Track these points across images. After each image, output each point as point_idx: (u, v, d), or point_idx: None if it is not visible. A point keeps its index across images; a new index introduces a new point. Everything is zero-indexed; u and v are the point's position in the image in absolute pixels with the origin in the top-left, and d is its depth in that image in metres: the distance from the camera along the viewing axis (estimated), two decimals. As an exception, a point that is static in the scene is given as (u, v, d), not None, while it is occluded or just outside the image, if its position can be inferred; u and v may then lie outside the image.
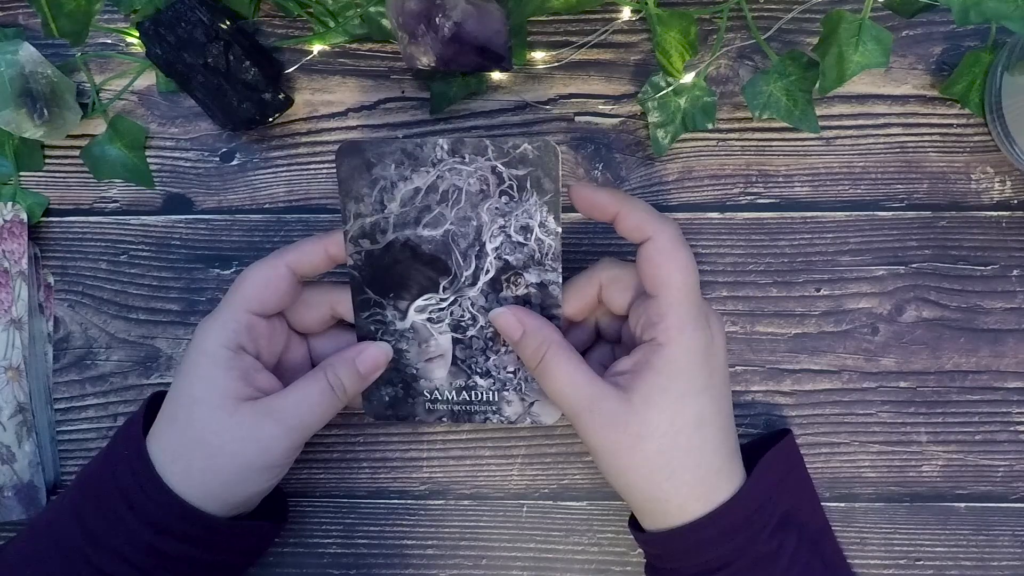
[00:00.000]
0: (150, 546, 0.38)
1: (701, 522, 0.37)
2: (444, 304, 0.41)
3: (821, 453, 0.45)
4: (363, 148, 0.40)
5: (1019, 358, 0.45)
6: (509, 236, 0.40)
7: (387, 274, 0.41)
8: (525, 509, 0.46)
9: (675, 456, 0.37)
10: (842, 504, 0.45)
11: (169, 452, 0.39)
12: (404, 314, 0.42)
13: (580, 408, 0.38)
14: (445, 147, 0.39)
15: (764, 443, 0.43)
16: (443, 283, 0.41)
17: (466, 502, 0.46)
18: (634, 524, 0.41)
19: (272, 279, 0.40)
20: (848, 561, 0.45)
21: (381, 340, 0.42)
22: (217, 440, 0.38)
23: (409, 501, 0.46)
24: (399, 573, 0.46)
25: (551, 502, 0.46)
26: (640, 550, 0.45)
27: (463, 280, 0.41)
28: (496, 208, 0.40)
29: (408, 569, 0.46)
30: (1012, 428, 0.45)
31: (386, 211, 0.40)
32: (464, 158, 0.39)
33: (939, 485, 0.45)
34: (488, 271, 0.41)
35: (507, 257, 0.40)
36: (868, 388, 0.45)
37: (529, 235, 0.40)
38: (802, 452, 0.45)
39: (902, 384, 0.45)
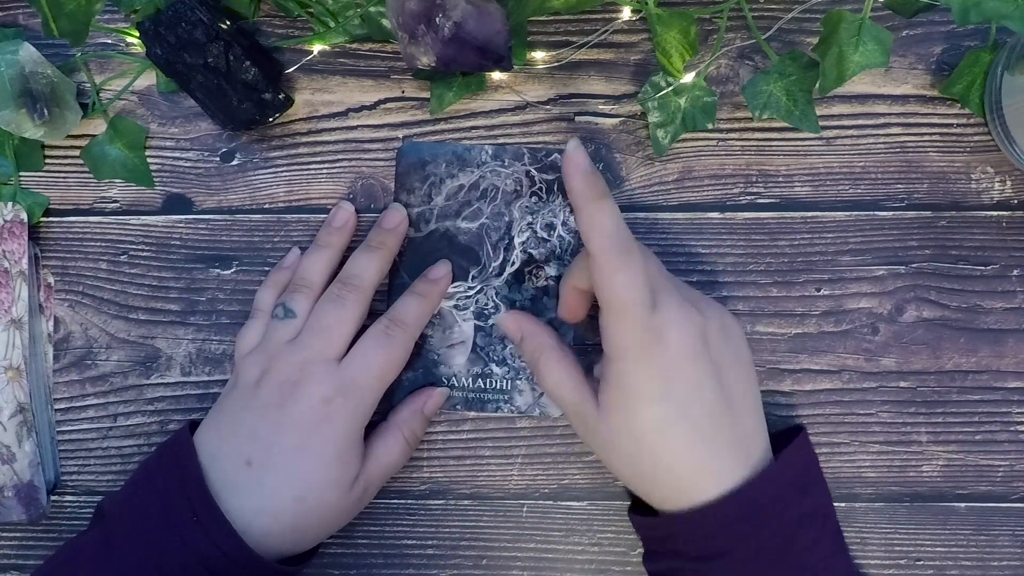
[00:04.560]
0: None
1: (684, 515, 0.38)
2: (471, 292, 0.45)
3: (821, 453, 0.45)
4: (421, 147, 0.45)
5: (1019, 358, 0.45)
6: (535, 232, 0.45)
7: (424, 260, 0.45)
8: (525, 509, 0.46)
9: (643, 461, 0.38)
10: (842, 504, 0.45)
11: (267, 516, 0.39)
12: None
13: (567, 410, 0.40)
14: (489, 152, 0.45)
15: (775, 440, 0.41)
16: (472, 272, 0.45)
17: (466, 502, 0.46)
18: (632, 510, 0.42)
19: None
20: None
21: None
22: (335, 519, 0.41)
23: (409, 501, 0.46)
24: (399, 573, 0.46)
25: (551, 502, 0.46)
26: (640, 550, 0.45)
27: (491, 270, 0.45)
28: (526, 207, 0.45)
29: (408, 569, 0.46)
30: (1012, 428, 0.45)
31: (432, 203, 0.45)
32: (504, 162, 0.45)
33: (939, 485, 0.45)
34: (514, 263, 0.45)
35: (532, 251, 0.45)
36: (868, 388, 0.45)
37: (552, 232, 0.45)
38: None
39: (902, 384, 0.45)
